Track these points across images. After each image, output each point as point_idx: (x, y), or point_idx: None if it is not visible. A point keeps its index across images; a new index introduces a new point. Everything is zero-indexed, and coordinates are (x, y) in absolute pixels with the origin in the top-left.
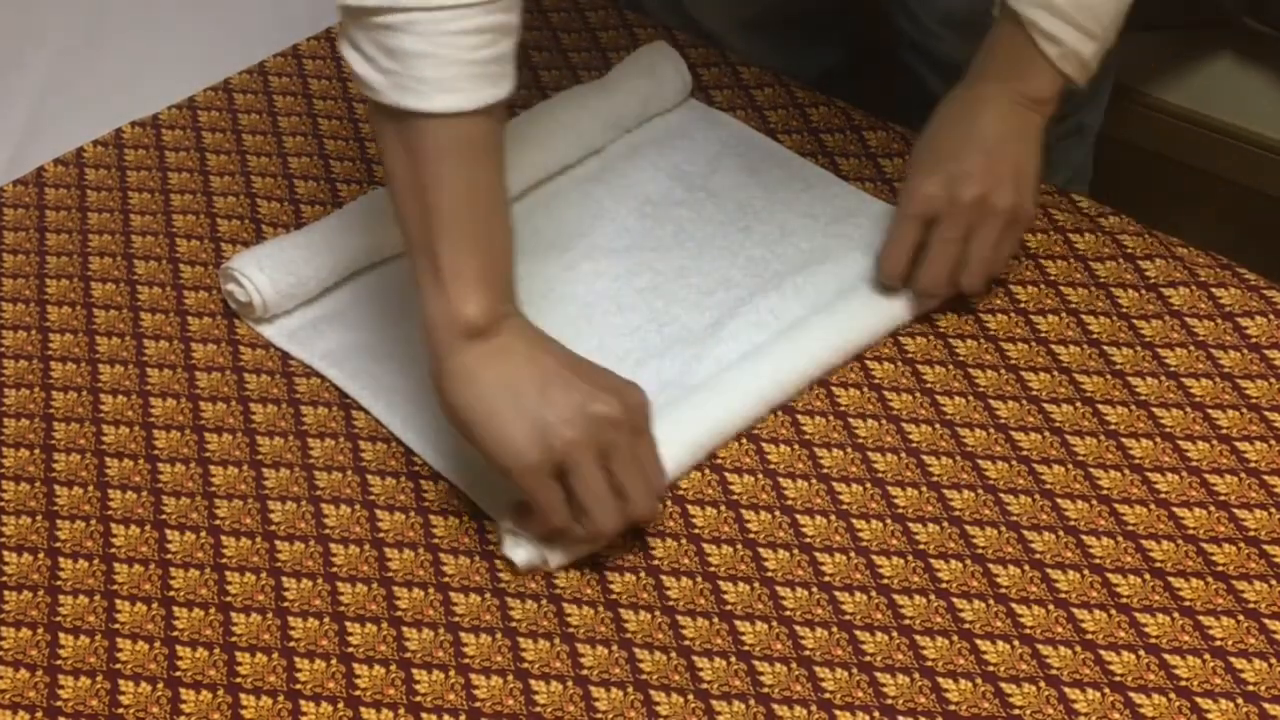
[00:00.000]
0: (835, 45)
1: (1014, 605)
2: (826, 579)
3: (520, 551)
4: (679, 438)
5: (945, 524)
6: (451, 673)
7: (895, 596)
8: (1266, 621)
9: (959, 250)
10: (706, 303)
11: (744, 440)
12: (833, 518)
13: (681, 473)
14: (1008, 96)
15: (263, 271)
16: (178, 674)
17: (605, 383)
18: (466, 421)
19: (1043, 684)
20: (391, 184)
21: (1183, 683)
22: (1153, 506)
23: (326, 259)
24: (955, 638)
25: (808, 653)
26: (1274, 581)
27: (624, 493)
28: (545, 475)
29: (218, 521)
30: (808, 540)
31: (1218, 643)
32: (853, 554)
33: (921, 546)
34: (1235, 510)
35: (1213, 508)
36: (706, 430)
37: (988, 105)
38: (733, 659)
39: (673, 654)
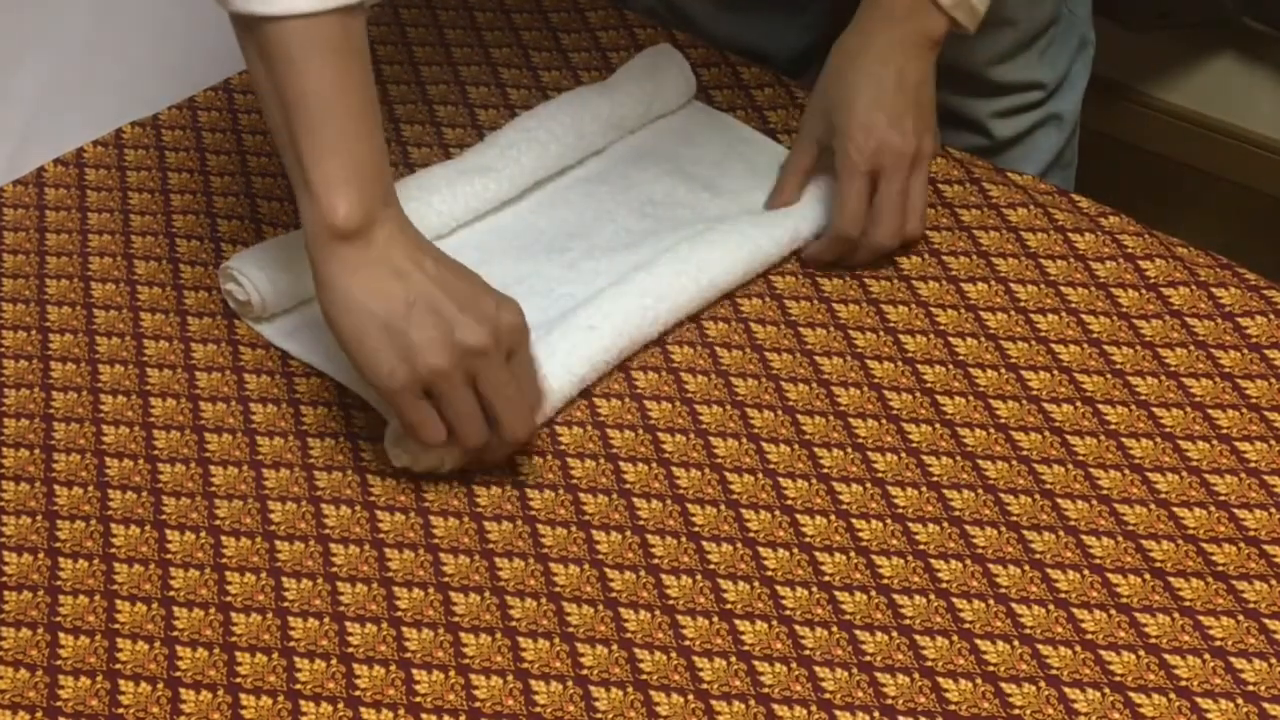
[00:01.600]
0: (809, 26)
1: (1014, 605)
2: (826, 579)
3: (399, 454)
4: (565, 353)
5: (945, 524)
6: (451, 673)
7: (895, 596)
8: (1266, 621)
9: (905, 199)
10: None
11: (743, 439)
12: (832, 517)
13: (577, 388)
14: (911, 40)
15: (262, 270)
16: (178, 674)
17: (476, 306)
18: (339, 335)
19: (1043, 684)
20: (258, 97)
21: (1183, 683)
22: (1153, 506)
23: None
24: (955, 638)
25: (808, 653)
26: (1274, 581)
27: (496, 416)
28: (412, 396)
29: (218, 521)
30: (807, 540)
31: (1218, 643)
32: (853, 554)
33: (921, 546)
34: (1235, 510)
35: (1213, 508)
36: (596, 344)
37: (897, 50)
38: (733, 659)
39: (673, 654)
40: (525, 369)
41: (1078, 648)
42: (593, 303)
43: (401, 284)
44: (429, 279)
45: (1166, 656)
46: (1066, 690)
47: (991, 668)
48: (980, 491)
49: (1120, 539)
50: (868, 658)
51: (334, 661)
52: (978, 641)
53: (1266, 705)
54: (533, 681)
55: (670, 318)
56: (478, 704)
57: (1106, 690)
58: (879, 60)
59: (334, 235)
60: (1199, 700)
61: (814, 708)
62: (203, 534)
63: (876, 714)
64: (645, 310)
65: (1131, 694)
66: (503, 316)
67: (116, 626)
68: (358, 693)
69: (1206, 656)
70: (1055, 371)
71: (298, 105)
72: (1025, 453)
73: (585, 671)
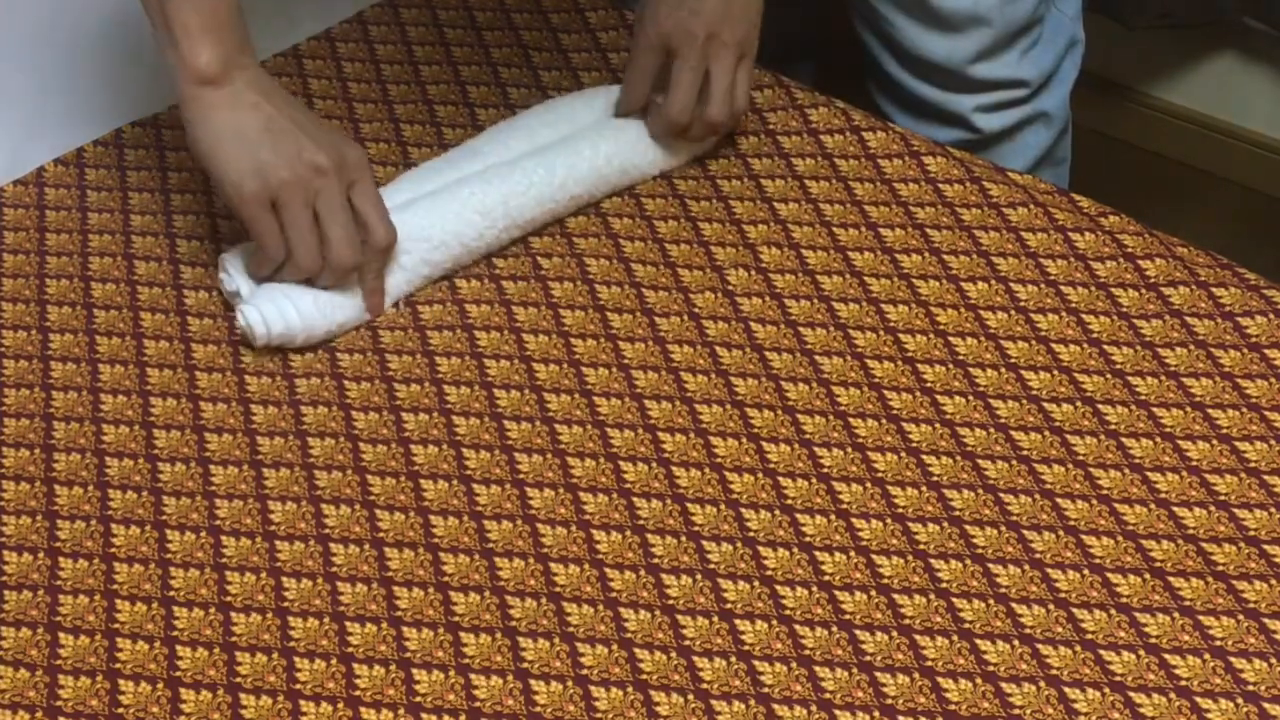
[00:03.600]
0: (793, 23)
1: (1014, 605)
2: (826, 578)
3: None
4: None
5: (945, 524)
6: (451, 673)
7: (895, 596)
8: (1266, 621)
9: (699, 79)
10: None
11: (743, 439)
12: (833, 517)
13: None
14: None
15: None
16: (178, 674)
17: (323, 137)
18: (199, 156)
19: (1043, 684)
20: None
21: (1183, 683)
22: (1153, 506)
23: None
24: (955, 638)
25: (808, 652)
26: (1274, 581)
27: (326, 236)
28: (260, 207)
29: (218, 521)
30: (807, 539)
31: (1218, 643)
32: (853, 553)
33: (921, 546)
34: (1235, 510)
35: (1213, 508)
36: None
37: None
38: (733, 659)
39: (673, 654)
40: (366, 201)
41: (1078, 648)
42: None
43: (257, 114)
44: (280, 113)
45: (1166, 656)
46: (1066, 690)
47: (991, 668)
48: (980, 491)
49: (1120, 539)
50: (868, 658)
51: (334, 661)
52: (978, 641)
53: (1266, 705)
54: (533, 681)
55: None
56: (478, 704)
57: (1106, 690)
58: None
59: (198, 80)
60: (1199, 700)
61: (814, 708)
62: (203, 534)
63: (876, 714)
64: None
65: (1131, 694)
66: (346, 149)
67: (116, 626)
68: (358, 693)
69: (1206, 656)
70: (1055, 371)
71: None
72: (1025, 453)
73: (585, 671)
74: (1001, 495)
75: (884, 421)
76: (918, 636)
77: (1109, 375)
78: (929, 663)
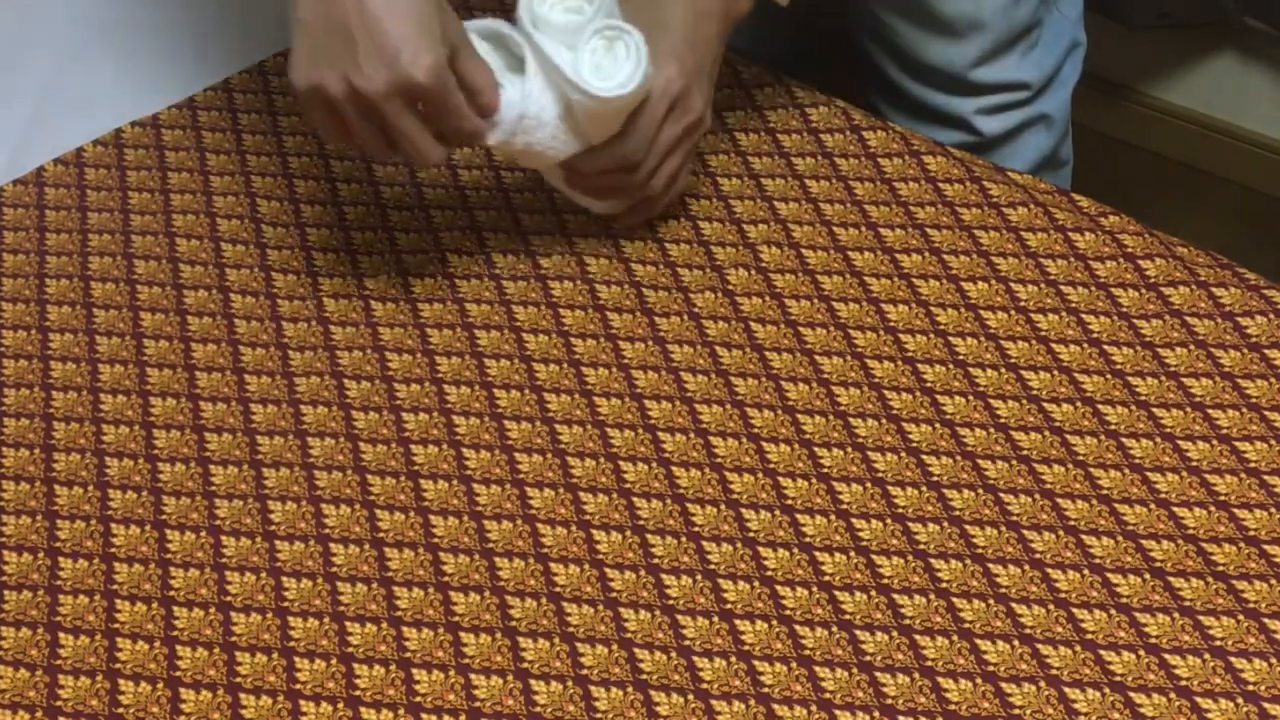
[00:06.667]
0: (793, 30)
1: (1014, 605)
2: (826, 578)
3: None
4: None
5: (945, 524)
6: (451, 673)
7: (895, 596)
8: (1266, 621)
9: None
10: None
11: (743, 439)
12: (832, 517)
13: None
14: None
15: None
16: (178, 674)
17: (382, 51)
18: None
19: (1043, 684)
20: None
21: (1183, 683)
22: (1153, 506)
23: None
24: (955, 638)
25: (808, 653)
26: (1274, 581)
27: (399, 148)
28: (312, 107)
29: (218, 521)
30: (808, 540)
31: (1218, 643)
32: (853, 554)
33: (921, 546)
34: (1235, 510)
35: (1213, 508)
36: None
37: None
38: (733, 659)
39: (673, 654)
40: (442, 113)
41: (1078, 648)
42: None
43: (324, 6)
44: (350, 10)
45: (1166, 656)
46: (1066, 690)
47: (991, 668)
48: (980, 491)
49: (1120, 539)
50: (868, 658)
51: (334, 661)
52: (978, 641)
53: (1266, 705)
54: (533, 681)
55: None
56: (478, 704)
57: (1106, 690)
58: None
59: None
60: (1199, 700)
61: (814, 708)
62: (203, 534)
63: (876, 714)
64: None
65: (1131, 694)
66: (408, 68)
67: (116, 626)
68: (358, 693)
69: (1206, 656)
70: (1055, 371)
71: None
72: (1025, 453)
73: (585, 671)
74: (1001, 495)
75: (884, 421)
76: (918, 636)
77: (1109, 375)
78: (929, 663)
